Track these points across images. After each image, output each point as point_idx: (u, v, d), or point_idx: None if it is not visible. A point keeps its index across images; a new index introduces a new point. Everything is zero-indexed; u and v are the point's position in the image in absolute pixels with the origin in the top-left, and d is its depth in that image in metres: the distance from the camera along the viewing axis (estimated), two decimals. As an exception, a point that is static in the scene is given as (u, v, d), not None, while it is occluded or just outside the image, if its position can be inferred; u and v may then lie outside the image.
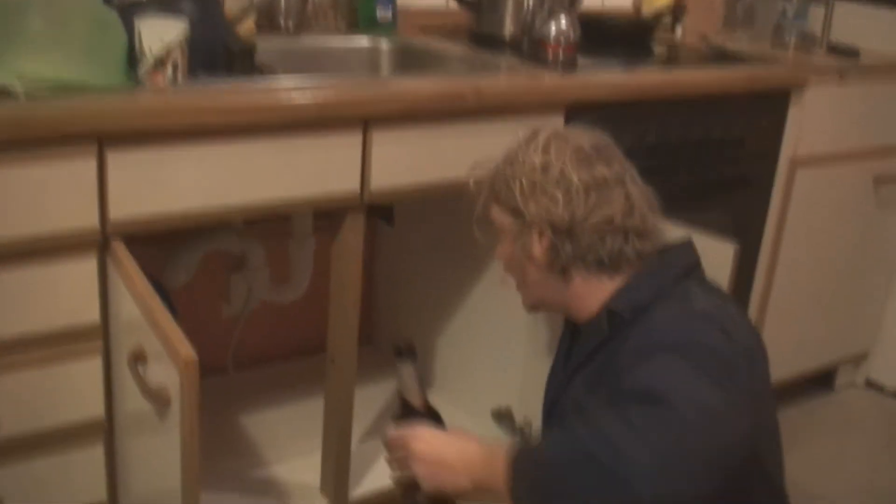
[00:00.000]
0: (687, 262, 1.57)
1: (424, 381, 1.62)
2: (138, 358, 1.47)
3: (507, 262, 1.65)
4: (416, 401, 1.65)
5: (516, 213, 1.55)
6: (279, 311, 2.47)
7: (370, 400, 2.40)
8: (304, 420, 2.35)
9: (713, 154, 2.40)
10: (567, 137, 1.57)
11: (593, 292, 1.55)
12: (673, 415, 1.30)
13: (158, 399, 1.39)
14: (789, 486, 1.61)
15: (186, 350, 1.32)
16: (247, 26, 2.10)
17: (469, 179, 1.67)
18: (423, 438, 1.47)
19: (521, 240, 1.57)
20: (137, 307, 1.48)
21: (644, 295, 1.51)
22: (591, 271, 1.54)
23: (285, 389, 2.48)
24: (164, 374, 1.38)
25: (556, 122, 2.09)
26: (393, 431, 1.53)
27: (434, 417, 1.66)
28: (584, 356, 1.59)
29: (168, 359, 1.36)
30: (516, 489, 1.36)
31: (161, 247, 2.09)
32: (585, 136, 1.59)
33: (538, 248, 1.55)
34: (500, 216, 1.61)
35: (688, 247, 1.60)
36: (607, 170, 1.54)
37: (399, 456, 1.51)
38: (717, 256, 1.83)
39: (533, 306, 1.70)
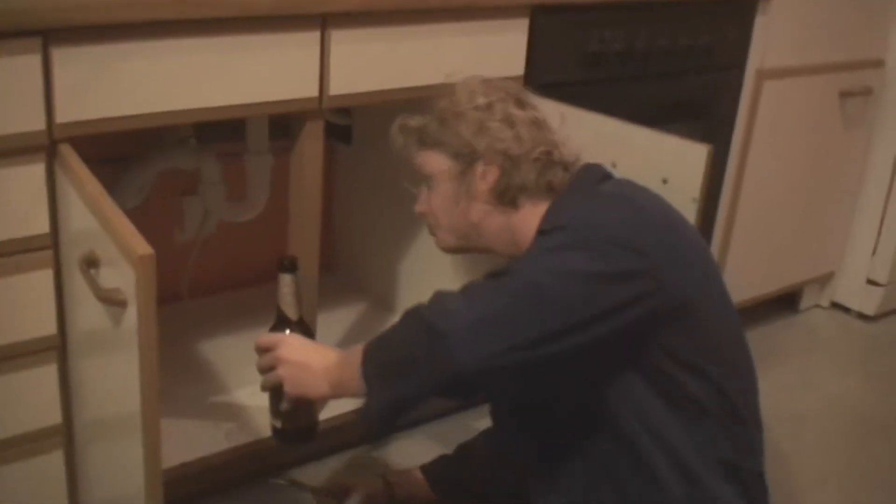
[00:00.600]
0: (601, 173, 1.66)
1: (302, 296, 1.71)
2: (91, 263, 1.38)
3: (434, 208, 1.72)
4: (290, 312, 1.69)
5: (459, 153, 1.64)
6: (235, 236, 2.38)
7: (330, 326, 2.32)
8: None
9: (681, 62, 2.34)
10: (494, 82, 1.70)
11: (534, 218, 1.61)
12: (506, 282, 1.40)
13: (113, 302, 1.30)
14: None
15: (142, 246, 1.24)
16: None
17: (393, 128, 1.74)
18: (290, 344, 1.59)
19: (465, 179, 1.65)
20: (88, 210, 1.39)
21: (570, 206, 1.58)
22: (535, 197, 1.63)
23: (242, 316, 2.39)
24: (120, 275, 1.29)
25: (521, 24, 2.01)
26: (263, 337, 1.64)
27: (305, 330, 1.72)
28: None
29: (122, 258, 1.27)
30: (366, 372, 1.44)
31: (110, 165, 1.99)
32: (508, 82, 1.74)
33: (486, 182, 1.63)
34: (433, 161, 1.68)
35: (597, 165, 1.69)
36: (536, 111, 1.69)
37: (266, 360, 1.60)
38: (690, 158, 1.80)
39: (455, 248, 1.75)
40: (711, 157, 1.78)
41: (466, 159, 1.64)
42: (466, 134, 1.63)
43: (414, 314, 1.44)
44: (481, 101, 1.65)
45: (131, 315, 1.27)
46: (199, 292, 2.46)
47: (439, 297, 1.43)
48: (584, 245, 1.43)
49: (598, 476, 1.53)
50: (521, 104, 1.68)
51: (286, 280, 1.67)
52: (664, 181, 1.81)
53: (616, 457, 1.50)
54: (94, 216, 1.37)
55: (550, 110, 1.93)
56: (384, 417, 1.44)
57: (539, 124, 1.67)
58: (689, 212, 1.77)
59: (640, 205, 1.54)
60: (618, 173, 1.69)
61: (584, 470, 1.55)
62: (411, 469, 1.98)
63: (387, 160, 2.42)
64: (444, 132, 1.66)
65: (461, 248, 1.75)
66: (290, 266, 1.67)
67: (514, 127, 1.63)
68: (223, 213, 2.17)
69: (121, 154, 2.01)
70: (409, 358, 1.40)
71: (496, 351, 1.34)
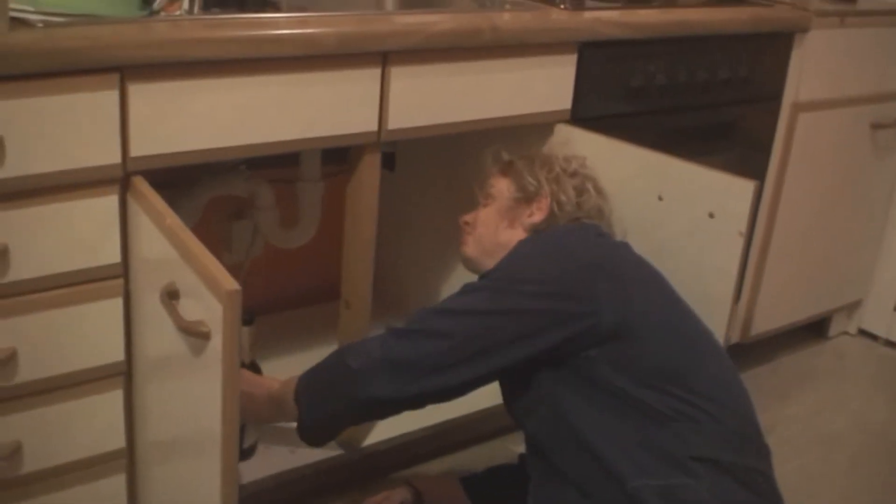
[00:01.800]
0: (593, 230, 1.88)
1: (257, 344, 2.06)
2: (172, 294, 1.43)
3: (479, 219, 1.93)
4: (244, 357, 1.97)
5: (526, 187, 1.88)
6: (282, 259, 2.42)
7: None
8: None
9: (719, 95, 2.38)
10: (589, 170, 1.97)
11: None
12: (420, 317, 1.66)
13: (197, 334, 1.34)
14: (789, 425, 1.63)
15: (229, 281, 1.28)
16: (250, -36, 2.05)
17: (488, 151, 1.99)
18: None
19: (518, 207, 1.88)
20: (168, 241, 1.44)
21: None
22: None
23: (290, 338, 2.45)
24: (202, 307, 1.34)
25: (570, 60, 2.06)
26: None
27: (256, 371, 2.00)
28: None
29: (207, 291, 1.32)
30: (298, 396, 1.68)
31: (165, 191, 2.04)
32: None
33: (531, 218, 1.87)
34: (503, 185, 1.92)
35: (593, 225, 1.91)
36: (606, 204, 1.95)
37: None
38: (737, 193, 1.83)
39: (472, 257, 1.94)
40: (758, 192, 1.82)
41: (529, 194, 1.87)
42: (543, 178, 1.87)
43: (338, 352, 1.71)
44: (574, 166, 1.92)
45: (215, 345, 1.31)
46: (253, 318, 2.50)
47: (363, 339, 1.75)
48: (493, 287, 1.68)
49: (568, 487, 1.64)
50: (599, 191, 1.93)
51: (243, 331, 1.92)
52: (710, 215, 1.86)
53: (581, 467, 1.62)
54: (174, 248, 1.42)
55: (598, 145, 1.99)
56: (315, 434, 1.71)
57: (601, 211, 1.92)
58: (736, 245, 1.83)
59: (571, 250, 1.74)
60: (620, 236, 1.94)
61: (560, 481, 1.66)
62: (440, 476, 2.04)
63: (428, 187, 2.48)
64: (528, 169, 1.89)
65: (475, 261, 1.92)
66: (248, 319, 1.95)
67: (582, 196, 1.89)
68: (275, 238, 2.22)
69: (175, 180, 2.06)
70: (329, 387, 1.66)
71: (398, 386, 1.60)
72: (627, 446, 1.57)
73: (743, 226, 1.83)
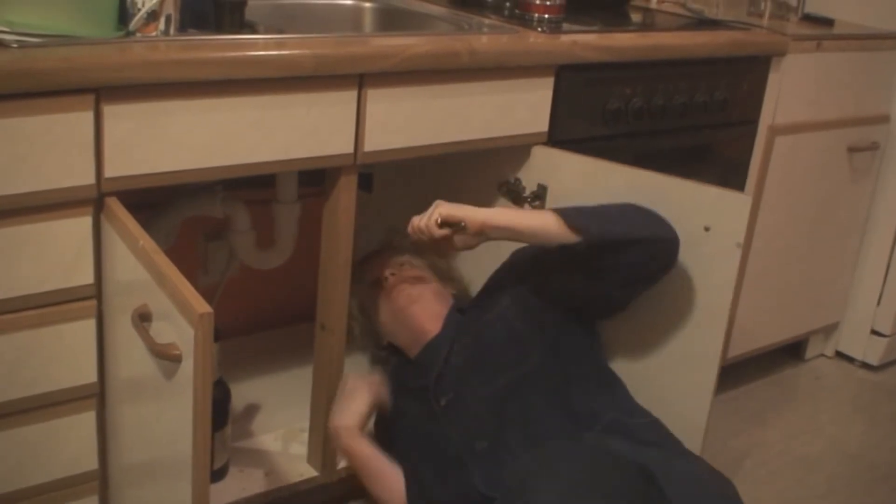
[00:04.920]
0: None
1: (220, 358, 2.04)
2: (144, 317, 1.42)
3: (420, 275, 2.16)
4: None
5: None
6: (256, 280, 2.42)
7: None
8: (286, 390, 2.33)
9: (696, 118, 2.39)
10: None
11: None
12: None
13: (169, 357, 1.34)
14: (766, 448, 1.64)
15: (201, 304, 1.28)
16: (229, -15, 2.05)
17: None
18: None
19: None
20: (141, 264, 1.43)
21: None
22: None
23: (265, 360, 2.45)
24: (174, 330, 1.34)
25: (547, 83, 2.06)
26: None
27: (224, 389, 2.03)
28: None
29: (178, 314, 1.32)
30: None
31: (140, 212, 2.03)
32: None
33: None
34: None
35: None
36: None
37: None
38: (733, 207, 1.89)
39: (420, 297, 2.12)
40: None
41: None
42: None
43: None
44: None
45: (187, 368, 1.31)
46: (220, 335, 2.48)
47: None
48: None
49: None
50: None
51: None
52: (706, 228, 1.90)
53: None
54: (146, 270, 1.41)
55: (582, 165, 1.99)
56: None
57: None
58: (734, 257, 1.88)
59: None
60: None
61: None
62: None
63: (406, 209, 2.47)
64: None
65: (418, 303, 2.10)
66: (214, 336, 1.82)
67: None
68: (251, 260, 2.21)
69: (150, 201, 2.05)
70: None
71: None
72: None
73: (740, 237, 1.87)
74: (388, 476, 1.95)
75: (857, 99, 2.82)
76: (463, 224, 1.84)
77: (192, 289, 1.32)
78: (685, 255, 1.92)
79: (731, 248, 1.88)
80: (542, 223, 1.85)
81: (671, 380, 1.99)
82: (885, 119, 2.93)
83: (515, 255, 2.07)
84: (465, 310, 2.10)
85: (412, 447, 1.96)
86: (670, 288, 1.94)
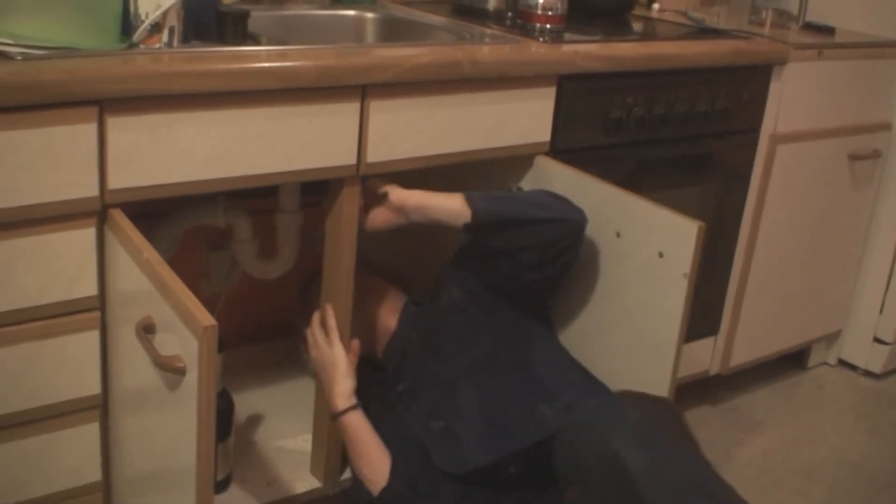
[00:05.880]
0: None
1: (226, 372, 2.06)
2: (148, 329, 1.42)
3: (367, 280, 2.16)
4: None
5: None
6: (258, 289, 2.42)
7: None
8: (289, 399, 2.34)
9: (698, 127, 2.40)
10: None
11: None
12: None
13: (173, 369, 1.34)
14: (769, 457, 1.64)
15: (205, 316, 1.28)
16: (231, -4, 2.06)
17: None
18: None
19: None
20: (145, 275, 1.43)
21: None
22: None
23: (268, 370, 2.45)
24: (178, 342, 1.34)
25: (549, 93, 2.07)
26: None
27: (227, 399, 2.04)
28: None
29: (183, 326, 1.32)
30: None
31: (142, 221, 2.03)
32: None
33: None
34: None
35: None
36: None
37: None
38: (682, 233, 1.82)
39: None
40: (704, 233, 1.79)
41: None
42: None
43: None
44: None
45: (191, 380, 1.31)
46: (224, 345, 2.49)
47: None
48: None
49: None
50: None
51: None
52: (660, 254, 1.87)
53: None
54: (150, 282, 1.42)
55: (569, 177, 2.00)
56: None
57: None
58: (680, 287, 1.81)
59: None
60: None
61: None
62: None
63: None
64: None
65: None
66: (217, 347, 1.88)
67: None
68: (253, 270, 2.21)
69: (152, 210, 2.06)
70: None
71: None
72: None
73: (687, 267, 1.81)
74: (376, 454, 1.93)
75: (858, 107, 2.83)
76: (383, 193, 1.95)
77: (196, 301, 1.32)
78: (640, 281, 1.91)
79: (677, 279, 1.82)
80: (450, 202, 1.92)
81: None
82: (886, 127, 2.93)
83: (460, 249, 2.14)
84: (419, 304, 2.16)
85: (385, 437, 1.96)
86: (626, 314, 1.94)
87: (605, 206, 1.96)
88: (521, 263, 1.95)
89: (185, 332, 1.31)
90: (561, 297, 2.07)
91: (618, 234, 1.94)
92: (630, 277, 1.93)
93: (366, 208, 1.99)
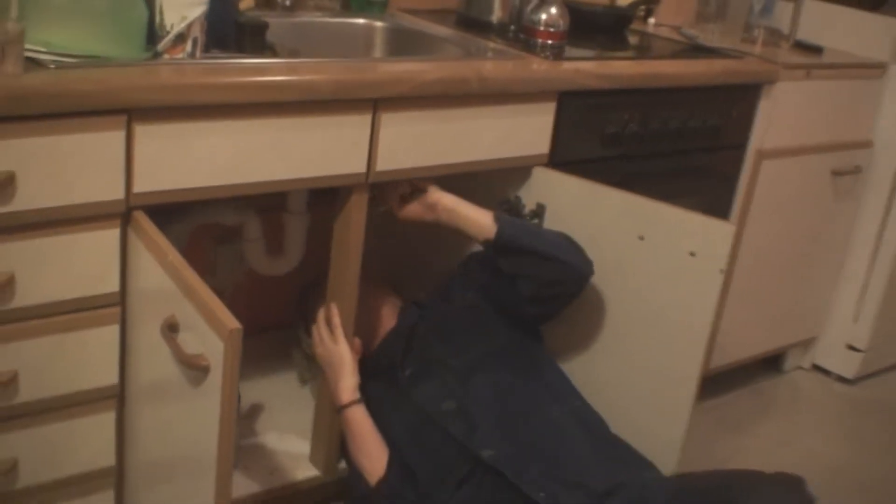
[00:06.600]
0: None
1: None
2: (172, 327, 1.51)
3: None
4: None
5: None
6: (262, 282, 2.49)
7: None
8: (290, 390, 2.44)
9: (689, 142, 2.50)
10: None
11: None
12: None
13: (197, 367, 1.43)
14: (746, 455, 1.72)
15: (230, 319, 1.37)
16: (245, 3, 2.14)
17: None
18: None
19: None
20: (170, 278, 1.52)
21: None
22: None
23: (270, 361, 2.53)
24: (201, 342, 1.42)
25: (549, 108, 2.16)
26: None
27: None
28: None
29: (208, 328, 1.40)
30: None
31: (153, 218, 2.11)
32: None
33: None
34: None
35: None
36: None
37: None
38: (718, 234, 1.98)
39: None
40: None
41: None
42: None
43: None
44: None
45: (215, 378, 1.40)
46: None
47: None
48: None
49: None
50: None
51: None
52: (692, 254, 1.99)
53: None
54: (175, 283, 1.50)
55: (576, 188, 2.09)
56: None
57: None
58: (716, 282, 1.97)
59: None
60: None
61: None
62: None
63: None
64: None
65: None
66: None
67: None
68: (260, 266, 2.30)
69: (165, 207, 2.13)
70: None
71: None
72: None
73: (724, 264, 1.96)
74: (375, 447, 2.02)
75: (841, 124, 2.93)
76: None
77: (220, 303, 1.41)
78: (670, 278, 2.02)
79: (714, 274, 1.96)
80: (479, 216, 2.04)
81: (650, 398, 2.08)
82: (867, 144, 3.04)
83: (470, 259, 2.24)
84: (422, 303, 2.24)
85: (385, 427, 2.05)
86: (656, 309, 2.05)
87: (624, 211, 2.08)
88: (520, 290, 2.04)
89: (210, 334, 1.39)
90: (585, 299, 2.14)
91: (641, 237, 2.05)
92: (658, 277, 2.05)
93: (403, 199, 2.11)
